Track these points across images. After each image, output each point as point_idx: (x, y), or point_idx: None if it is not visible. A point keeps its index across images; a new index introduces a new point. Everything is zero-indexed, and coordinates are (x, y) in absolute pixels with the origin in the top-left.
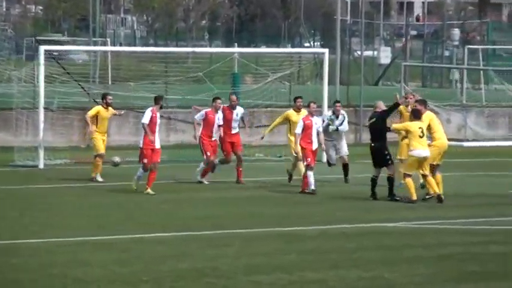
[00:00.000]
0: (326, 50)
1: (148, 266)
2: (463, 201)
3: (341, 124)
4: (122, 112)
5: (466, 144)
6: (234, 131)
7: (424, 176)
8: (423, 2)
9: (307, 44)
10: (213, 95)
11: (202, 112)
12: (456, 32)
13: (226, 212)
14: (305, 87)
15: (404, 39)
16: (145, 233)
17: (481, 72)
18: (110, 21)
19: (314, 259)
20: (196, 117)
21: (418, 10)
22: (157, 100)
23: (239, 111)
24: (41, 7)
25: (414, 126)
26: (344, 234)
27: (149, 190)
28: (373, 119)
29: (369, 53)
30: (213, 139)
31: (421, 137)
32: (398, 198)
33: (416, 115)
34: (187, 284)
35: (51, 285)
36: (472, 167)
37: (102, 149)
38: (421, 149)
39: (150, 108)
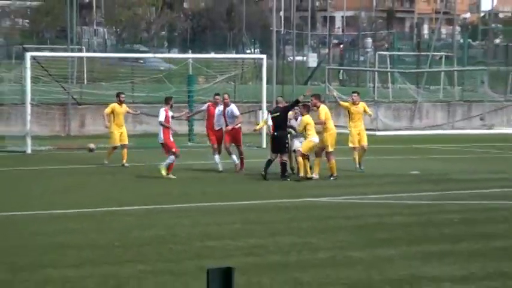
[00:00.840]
0: (264, 56)
1: (120, 233)
2: (376, 180)
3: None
4: (138, 112)
5: (378, 133)
6: (229, 126)
7: (304, 157)
8: (342, 16)
9: (248, 51)
10: (170, 94)
11: (205, 105)
12: (369, 40)
13: (183, 190)
14: (247, 86)
15: (341, 46)
16: (117, 207)
17: (389, 74)
18: (85, 32)
19: (256, 228)
20: (201, 108)
21: (338, 23)
22: (167, 100)
23: (231, 108)
24: (27, 20)
25: (309, 119)
26: (282, 207)
27: (171, 175)
28: (277, 113)
29: (299, 58)
30: (217, 129)
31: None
32: (288, 179)
33: (308, 109)
34: (152, 248)
35: (36, 249)
36: (382, 152)
37: (117, 142)
38: (317, 136)
39: (163, 108)
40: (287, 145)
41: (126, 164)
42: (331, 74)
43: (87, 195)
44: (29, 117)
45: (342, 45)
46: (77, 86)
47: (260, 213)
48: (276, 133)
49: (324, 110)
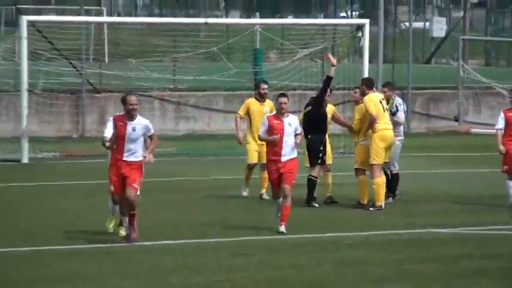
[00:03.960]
0: (366, 21)
1: (155, 278)
2: None
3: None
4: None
5: None
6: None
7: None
8: None
9: (343, 14)
10: (225, 75)
11: (265, 121)
12: None
13: (244, 216)
14: (341, 65)
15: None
16: (149, 241)
17: None
18: None
19: (353, 272)
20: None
21: None
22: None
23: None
24: None
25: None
26: (389, 242)
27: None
28: (309, 107)
29: (419, 24)
30: (284, 160)
31: None
32: (316, 205)
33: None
34: None
35: None
36: None
37: (254, 159)
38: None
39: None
40: (320, 154)
41: (266, 196)
42: (467, 48)
43: (104, 223)
44: (25, 111)
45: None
46: (95, 65)
47: (359, 250)
48: (309, 136)
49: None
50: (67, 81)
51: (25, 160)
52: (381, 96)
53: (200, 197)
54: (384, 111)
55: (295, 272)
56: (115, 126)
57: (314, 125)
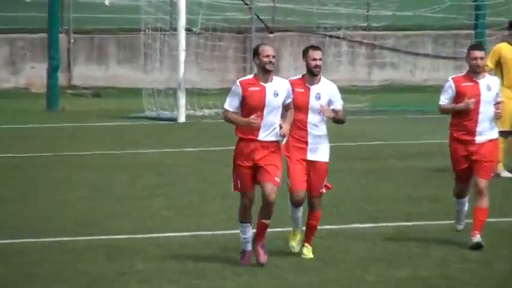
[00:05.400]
0: None
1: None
2: None
3: None
4: None
5: None
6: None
7: None
8: None
9: None
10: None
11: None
12: None
13: None
14: None
15: None
16: (340, 225)
17: None
18: None
19: None
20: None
21: None
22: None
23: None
24: None
25: None
26: None
27: None
28: None
29: None
30: (479, 140)
31: None
32: None
33: None
34: None
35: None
36: None
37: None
38: None
39: None
40: None
41: (507, 174)
42: None
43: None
44: (183, 56)
45: None
46: None
47: None
48: None
49: None
50: (233, 17)
51: (182, 119)
52: None
53: (404, 167)
54: None
55: None
56: (244, 94)
57: None
